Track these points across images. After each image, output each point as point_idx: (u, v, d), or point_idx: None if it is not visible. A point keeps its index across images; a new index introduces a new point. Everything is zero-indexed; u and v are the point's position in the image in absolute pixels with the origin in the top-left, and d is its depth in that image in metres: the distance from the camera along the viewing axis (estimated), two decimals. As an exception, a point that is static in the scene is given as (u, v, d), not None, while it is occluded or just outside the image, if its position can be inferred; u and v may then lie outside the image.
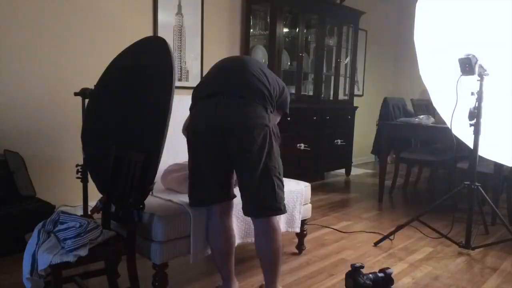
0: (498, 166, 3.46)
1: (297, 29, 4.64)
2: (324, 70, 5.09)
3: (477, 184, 2.80)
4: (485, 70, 2.64)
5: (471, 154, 2.82)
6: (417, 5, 2.99)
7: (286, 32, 4.65)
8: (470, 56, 2.57)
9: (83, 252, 1.61)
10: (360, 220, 3.45)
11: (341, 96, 5.38)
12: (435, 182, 4.83)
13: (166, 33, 3.78)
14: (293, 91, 4.66)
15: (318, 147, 4.81)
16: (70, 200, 3.18)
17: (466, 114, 2.74)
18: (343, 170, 5.52)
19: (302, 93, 4.77)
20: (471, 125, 2.70)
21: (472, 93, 2.67)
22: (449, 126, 2.76)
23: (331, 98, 5.29)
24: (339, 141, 5.12)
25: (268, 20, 4.38)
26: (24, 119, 3.01)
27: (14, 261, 2.43)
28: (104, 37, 3.35)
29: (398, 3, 6.77)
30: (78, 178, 2.52)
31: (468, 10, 2.74)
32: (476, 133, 2.71)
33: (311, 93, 5.04)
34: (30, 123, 3.05)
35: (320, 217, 3.61)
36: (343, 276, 2.40)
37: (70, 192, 3.17)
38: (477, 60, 2.59)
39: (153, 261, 1.96)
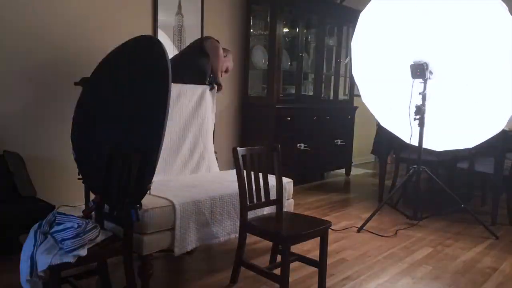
0: (498, 166, 3.46)
1: (297, 29, 4.64)
2: (324, 70, 5.09)
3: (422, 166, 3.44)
4: (432, 74, 3.15)
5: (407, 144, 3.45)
6: (361, 14, 3.51)
7: (286, 32, 4.64)
8: (422, 63, 3.08)
9: (83, 252, 1.61)
10: (360, 220, 3.45)
11: (341, 96, 5.38)
12: (434, 182, 4.80)
13: (166, 33, 3.78)
14: (293, 91, 4.66)
15: (318, 147, 4.80)
16: (70, 200, 3.18)
17: (396, 112, 3.43)
18: (343, 170, 5.51)
19: (302, 93, 4.77)
20: (415, 119, 3.23)
21: (420, 93, 3.18)
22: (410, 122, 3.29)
23: (331, 98, 5.29)
24: (339, 141, 5.12)
25: (268, 20, 4.38)
26: (24, 119, 3.02)
27: (15, 261, 2.42)
28: (104, 37, 3.34)
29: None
30: (79, 179, 2.50)
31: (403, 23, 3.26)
32: (421, 125, 3.26)
33: (311, 93, 5.04)
34: (30, 123, 3.05)
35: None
36: (343, 276, 2.41)
37: (70, 192, 3.16)
38: (427, 66, 3.09)
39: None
